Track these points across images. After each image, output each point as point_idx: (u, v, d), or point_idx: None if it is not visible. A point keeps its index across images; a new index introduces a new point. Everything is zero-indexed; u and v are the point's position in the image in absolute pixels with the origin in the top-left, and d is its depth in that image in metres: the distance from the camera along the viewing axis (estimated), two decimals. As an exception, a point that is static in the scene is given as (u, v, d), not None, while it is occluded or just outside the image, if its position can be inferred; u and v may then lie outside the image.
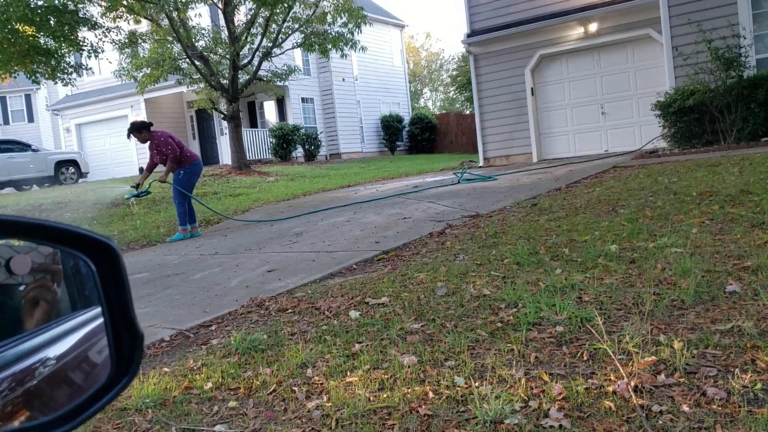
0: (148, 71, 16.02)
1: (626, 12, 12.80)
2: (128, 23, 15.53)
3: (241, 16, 17.30)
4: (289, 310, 3.97)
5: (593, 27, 13.31)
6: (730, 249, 3.98)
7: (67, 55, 13.92)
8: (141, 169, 10.51)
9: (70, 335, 0.74)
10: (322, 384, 2.74)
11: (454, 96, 44.04)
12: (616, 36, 13.17)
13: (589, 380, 2.43)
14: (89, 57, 14.31)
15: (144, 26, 16.62)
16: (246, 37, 16.02)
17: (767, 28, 11.04)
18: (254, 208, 10.97)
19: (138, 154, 22.29)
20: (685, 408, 2.13)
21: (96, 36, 14.36)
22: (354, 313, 3.63)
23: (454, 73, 41.21)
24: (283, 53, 17.34)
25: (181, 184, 8.29)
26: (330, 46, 16.42)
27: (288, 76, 18.47)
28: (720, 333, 2.70)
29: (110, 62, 17.59)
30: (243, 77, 17.01)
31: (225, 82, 16.40)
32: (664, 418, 2.09)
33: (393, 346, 3.07)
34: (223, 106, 16.91)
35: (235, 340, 3.39)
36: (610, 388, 2.32)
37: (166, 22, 15.25)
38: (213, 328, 3.93)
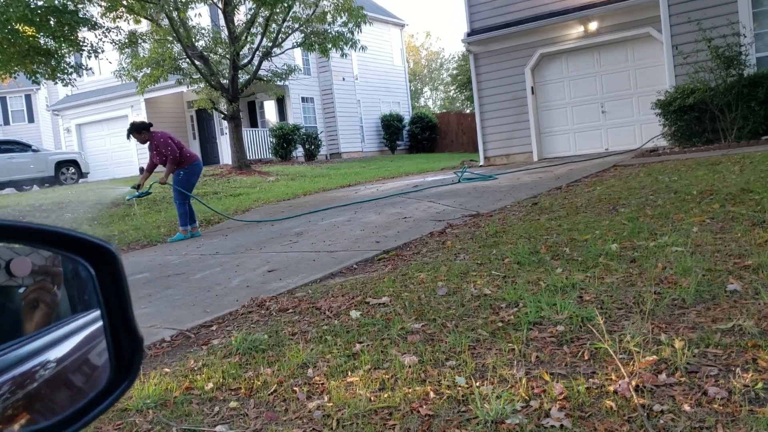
0: (148, 71, 16.02)
1: (626, 11, 12.79)
2: (128, 23, 15.52)
3: (241, 16, 17.30)
4: (290, 310, 3.97)
5: (593, 26, 13.30)
6: (730, 248, 3.98)
7: (67, 55, 13.92)
8: (141, 169, 10.51)
9: (70, 338, 0.74)
10: (323, 384, 2.74)
11: (455, 95, 44.03)
12: (616, 35, 13.16)
13: (590, 380, 2.43)
14: (89, 57, 14.31)
15: (144, 26, 16.62)
16: (246, 37, 16.02)
17: (767, 27, 11.03)
18: (255, 208, 10.97)
19: (138, 154, 22.28)
20: (687, 407, 2.13)
21: (96, 36, 14.36)
22: (355, 313, 3.63)
23: (455, 72, 41.21)
24: (283, 53, 17.34)
25: (181, 185, 8.29)
26: (330, 46, 16.41)
27: (288, 75, 18.46)
28: (721, 332, 2.70)
29: (110, 62, 17.59)
30: (243, 77, 17.01)
31: (225, 81, 16.39)
32: (666, 417, 2.09)
33: (394, 346, 3.07)
34: (223, 105, 16.90)
35: (235, 341, 3.39)
36: (611, 388, 2.32)
37: (166, 22, 15.24)
38: (214, 328, 3.93)
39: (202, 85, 16.87)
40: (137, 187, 8.62)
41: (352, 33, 16.41)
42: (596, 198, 6.79)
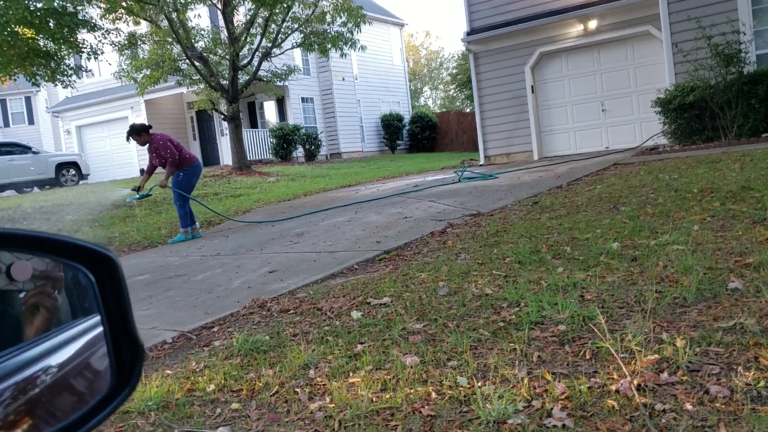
0: (147, 72, 16.03)
1: (626, 9, 12.79)
2: (128, 25, 15.52)
3: (240, 17, 17.30)
4: (291, 311, 3.97)
5: (593, 24, 13.30)
6: (731, 246, 3.97)
7: (66, 57, 13.91)
8: (142, 171, 10.52)
9: (71, 343, 0.74)
10: (324, 385, 2.74)
11: (455, 94, 44.00)
12: (615, 33, 13.16)
13: (592, 379, 2.42)
14: (89, 59, 14.30)
15: (143, 27, 16.61)
16: (245, 38, 16.02)
17: (767, 24, 11.02)
18: (255, 209, 10.98)
19: (138, 155, 22.28)
20: (689, 406, 2.13)
21: (95, 38, 14.35)
22: (356, 314, 3.63)
23: (454, 71, 41.18)
24: (282, 53, 17.34)
25: (181, 186, 8.29)
26: (329, 46, 16.41)
27: (288, 76, 18.47)
28: (722, 330, 2.69)
29: (110, 64, 17.60)
30: (243, 77, 17.01)
31: (225, 82, 16.39)
32: (668, 416, 2.09)
33: (395, 347, 3.07)
34: (223, 106, 16.90)
35: (237, 342, 3.39)
36: (613, 387, 2.31)
37: (165, 23, 15.24)
38: (215, 329, 3.93)
39: (201, 86, 16.87)
40: (138, 189, 8.62)
41: (352, 33, 16.41)
42: (597, 197, 6.79)
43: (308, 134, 23.25)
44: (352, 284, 4.42)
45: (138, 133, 8.19)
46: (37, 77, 13.75)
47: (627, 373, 2.38)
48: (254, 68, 16.72)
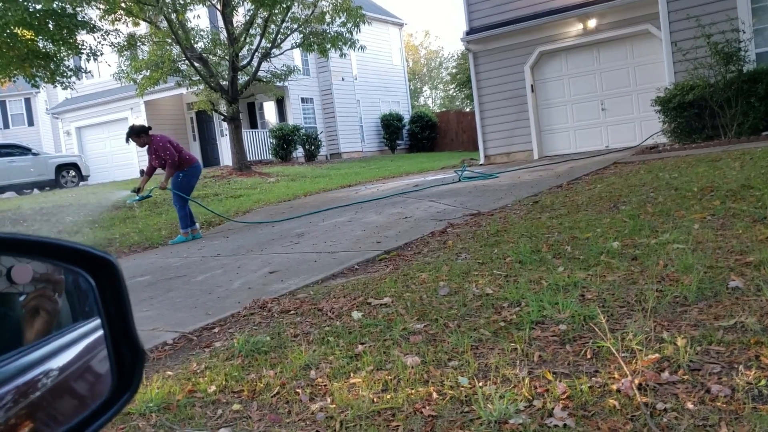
0: (147, 73, 16.02)
1: (625, 8, 12.78)
2: (127, 26, 15.52)
3: (239, 17, 17.30)
4: (292, 312, 3.97)
5: (592, 23, 13.30)
6: (732, 244, 3.97)
7: (66, 58, 13.91)
8: (142, 172, 10.53)
9: (72, 346, 0.74)
10: (325, 386, 2.74)
11: (454, 94, 43.99)
12: (615, 32, 13.16)
13: (593, 379, 2.42)
14: (88, 60, 14.31)
15: (143, 28, 16.61)
16: (245, 38, 16.02)
17: (766, 22, 11.02)
18: (255, 209, 10.98)
19: (138, 156, 22.27)
20: (690, 405, 2.12)
21: (95, 39, 14.35)
22: (356, 314, 3.63)
23: (454, 70, 41.18)
24: (282, 54, 17.34)
25: (181, 187, 8.29)
26: (329, 46, 16.41)
27: (287, 76, 18.46)
28: (723, 329, 2.69)
29: (109, 65, 17.58)
30: (242, 78, 17.01)
31: (224, 83, 16.39)
32: (669, 415, 2.09)
33: (396, 347, 3.07)
34: (222, 107, 16.90)
35: (238, 343, 3.39)
36: (614, 387, 2.31)
37: (164, 24, 15.24)
38: (216, 330, 3.93)
39: (201, 86, 16.87)
40: (137, 190, 8.61)
41: (351, 33, 16.41)
42: (597, 196, 6.78)
43: (308, 134, 23.26)
44: (353, 284, 4.42)
45: (137, 134, 8.18)
46: (37, 79, 13.75)
47: (628, 372, 2.38)
48: (254, 69, 16.72)
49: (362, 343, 3.18)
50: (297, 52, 21.44)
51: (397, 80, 29.63)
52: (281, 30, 16.38)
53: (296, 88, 23.67)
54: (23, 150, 20.23)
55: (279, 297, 4.43)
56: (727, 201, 5.29)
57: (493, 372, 2.61)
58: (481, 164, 14.68)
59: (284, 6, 15.31)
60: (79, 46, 13.62)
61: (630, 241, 4.45)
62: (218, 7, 16.06)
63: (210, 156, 23.85)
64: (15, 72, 13.21)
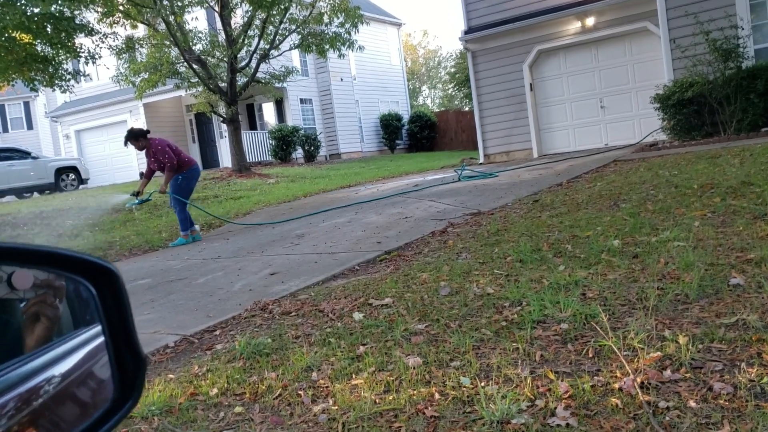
0: (146, 76, 16.02)
1: (623, 5, 12.78)
2: (125, 28, 15.52)
3: (237, 19, 17.30)
4: (293, 313, 3.97)
5: (590, 21, 13.30)
6: (732, 241, 3.97)
7: (64, 61, 13.89)
8: (141, 174, 10.55)
9: (74, 353, 0.74)
10: (327, 387, 2.74)
11: (453, 93, 43.99)
12: (613, 29, 13.16)
13: (595, 377, 2.42)
14: (87, 63, 14.29)
15: (141, 31, 16.61)
16: (243, 40, 16.01)
17: (765, 18, 11.02)
18: (255, 211, 10.97)
19: (138, 159, 22.27)
20: (692, 403, 2.12)
21: (93, 42, 14.34)
22: (358, 315, 3.63)
23: (453, 70, 41.17)
24: (280, 55, 17.33)
25: (180, 189, 8.28)
26: (327, 47, 16.41)
27: (286, 77, 18.46)
28: (725, 327, 2.69)
29: (108, 68, 17.58)
30: (241, 80, 17.00)
31: (223, 85, 16.39)
32: (672, 414, 2.09)
33: (397, 348, 3.07)
34: (222, 109, 16.90)
35: (239, 345, 3.39)
36: (616, 385, 2.31)
37: (162, 26, 15.23)
38: (217, 332, 3.93)
39: (200, 88, 16.87)
40: (137, 194, 8.60)
41: (349, 33, 16.41)
42: (597, 194, 6.78)
43: (307, 135, 23.26)
44: (354, 285, 4.42)
45: (135, 138, 8.16)
46: (36, 82, 13.74)
47: (630, 371, 2.38)
48: (252, 70, 16.72)
49: (364, 344, 3.18)
50: (295, 53, 21.43)
51: (396, 80, 29.63)
52: (279, 31, 16.37)
53: (295, 89, 23.66)
54: (23, 154, 20.23)
55: (280, 298, 4.43)
56: (728, 198, 5.28)
57: (495, 372, 2.61)
58: (480, 163, 14.68)
59: (282, 7, 15.31)
60: (78, 50, 13.60)
61: (630, 239, 4.45)
62: (216, 8, 16.06)
63: (209, 158, 23.85)
64: (14, 76, 13.20)
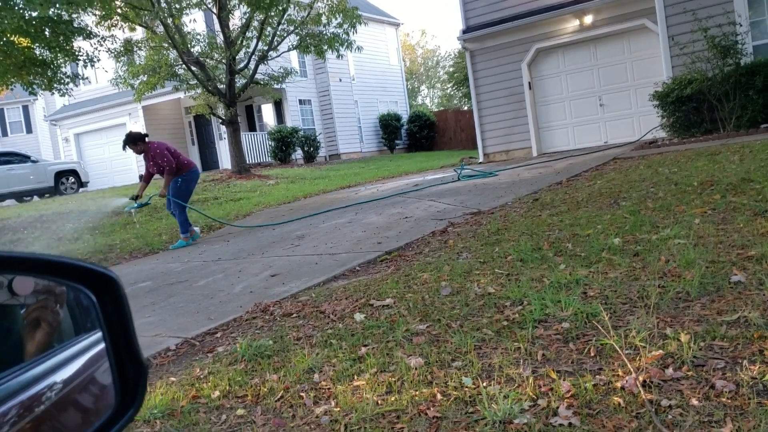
0: (144, 78, 16.01)
1: (621, 3, 12.78)
2: (123, 31, 15.52)
3: (236, 20, 17.29)
4: (294, 315, 3.97)
5: (588, 19, 13.29)
6: (733, 238, 3.97)
7: (63, 65, 13.88)
8: (141, 177, 10.54)
9: (75, 360, 0.74)
10: (329, 389, 2.74)
11: (452, 92, 43.97)
12: (611, 27, 13.15)
13: (597, 376, 2.42)
14: (85, 66, 14.28)
15: (139, 34, 16.61)
16: (241, 41, 16.01)
17: (763, 15, 11.01)
18: (255, 212, 10.97)
19: (137, 161, 22.25)
20: (695, 401, 2.12)
21: (91, 45, 14.34)
22: (359, 316, 3.63)
23: (451, 69, 41.17)
24: (279, 56, 17.33)
25: (180, 192, 8.27)
26: (326, 47, 16.41)
27: (285, 78, 18.45)
28: (726, 324, 2.69)
29: (107, 71, 17.57)
30: (240, 81, 17.00)
31: (222, 86, 16.39)
32: (674, 412, 2.08)
33: (399, 348, 3.06)
34: (221, 110, 16.90)
35: (240, 347, 3.39)
36: (619, 384, 2.31)
37: (161, 28, 15.24)
38: (218, 335, 3.93)
39: (199, 90, 16.87)
40: (136, 197, 8.59)
41: (348, 34, 16.41)
42: (597, 192, 6.78)
43: (307, 136, 23.25)
44: (355, 286, 4.42)
45: (134, 142, 8.13)
46: (34, 86, 13.74)
47: (632, 369, 2.38)
48: (251, 71, 16.72)
49: (365, 345, 3.18)
50: (294, 54, 21.44)
51: (395, 80, 29.63)
52: (278, 32, 16.37)
53: (294, 90, 23.66)
54: (22, 157, 20.24)
55: (281, 300, 4.42)
56: (728, 195, 5.28)
57: (496, 372, 2.61)
58: (480, 162, 14.67)
59: (280, 8, 15.32)
60: (76, 53, 13.60)
61: (631, 237, 4.45)
62: (214, 10, 16.06)
63: (209, 159, 23.85)
64: (12, 80, 13.20)
